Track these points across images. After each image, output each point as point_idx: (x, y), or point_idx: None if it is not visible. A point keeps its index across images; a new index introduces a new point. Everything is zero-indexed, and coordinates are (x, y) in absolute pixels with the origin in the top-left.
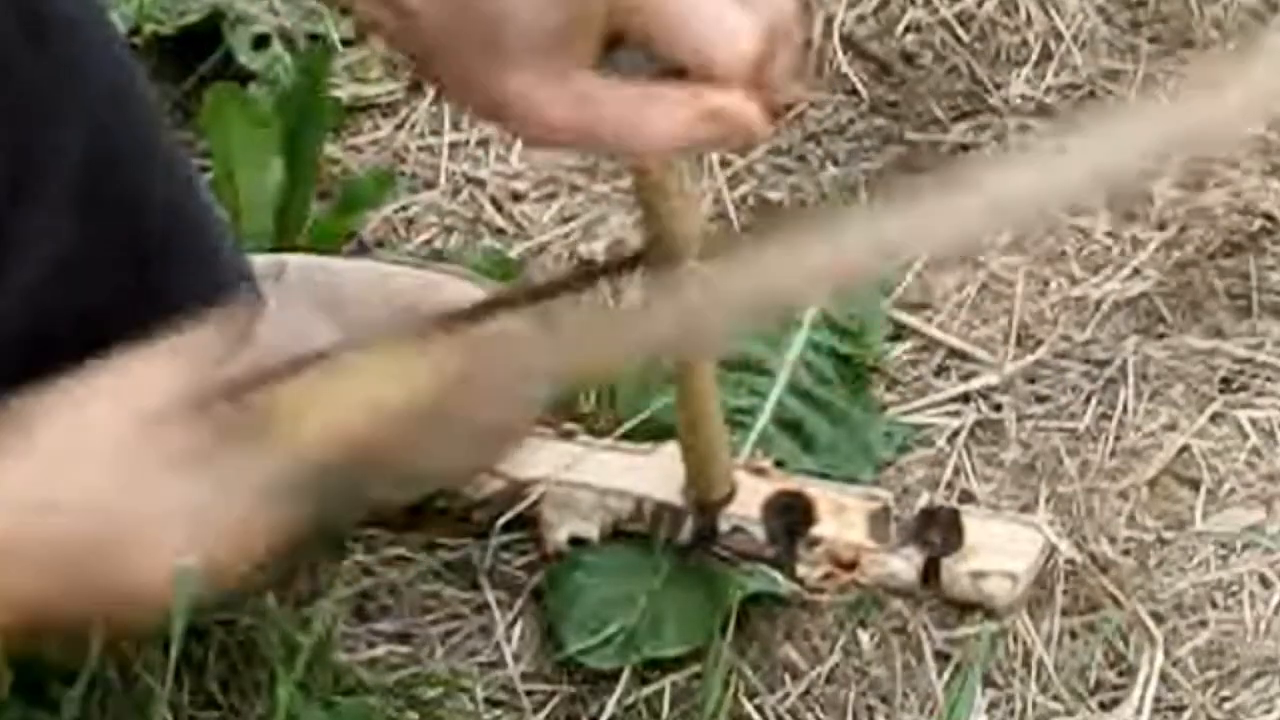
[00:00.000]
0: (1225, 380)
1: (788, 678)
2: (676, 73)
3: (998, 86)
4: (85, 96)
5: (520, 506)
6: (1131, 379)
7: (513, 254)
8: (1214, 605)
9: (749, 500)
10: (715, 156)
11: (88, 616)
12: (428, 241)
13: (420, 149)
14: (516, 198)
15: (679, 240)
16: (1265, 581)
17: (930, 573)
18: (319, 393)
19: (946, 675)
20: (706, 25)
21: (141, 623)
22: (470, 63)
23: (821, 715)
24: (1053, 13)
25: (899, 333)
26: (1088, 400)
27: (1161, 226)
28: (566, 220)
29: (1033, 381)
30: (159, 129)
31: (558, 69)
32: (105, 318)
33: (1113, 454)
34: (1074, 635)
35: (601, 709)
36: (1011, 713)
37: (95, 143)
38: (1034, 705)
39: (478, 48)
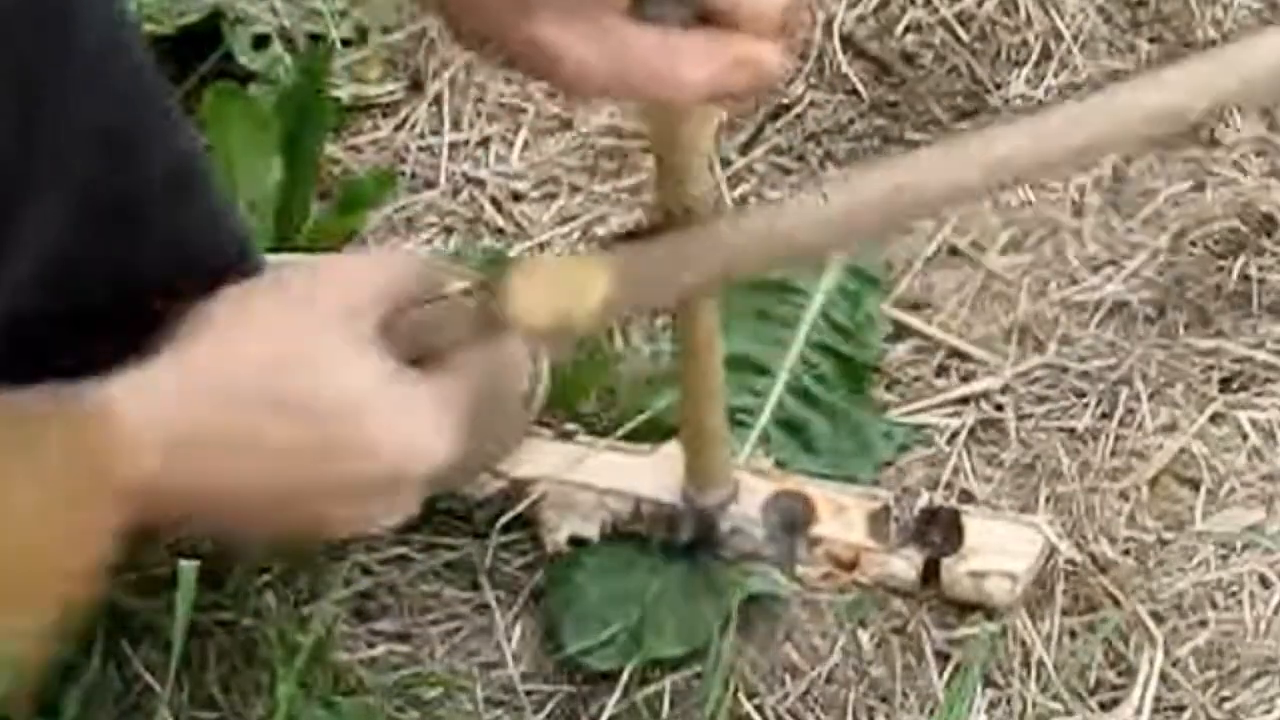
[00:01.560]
0: (1225, 380)
1: (788, 678)
2: (704, 21)
3: (998, 86)
4: (97, 82)
5: (520, 506)
6: (1131, 379)
7: (513, 254)
8: (1214, 605)
9: (749, 500)
10: (715, 156)
11: (330, 501)
12: (428, 241)
13: (420, 149)
14: (516, 198)
15: (692, 199)
16: (1265, 581)
17: (930, 573)
18: (538, 282)
19: (946, 675)
20: None
21: (380, 510)
22: (503, 14)
23: (821, 715)
24: (1053, 13)
25: (899, 333)
26: (1088, 400)
27: (1161, 227)
28: (566, 220)
29: (1033, 382)
30: (168, 108)
31: (589, 17)
32: (116, 291)
33: (1113, 454)
34: (1074, 635)
35: (601, 709)
36: (1011, 713)
37: (104, 129)
38: (1034, 705)
39: (514, 2)
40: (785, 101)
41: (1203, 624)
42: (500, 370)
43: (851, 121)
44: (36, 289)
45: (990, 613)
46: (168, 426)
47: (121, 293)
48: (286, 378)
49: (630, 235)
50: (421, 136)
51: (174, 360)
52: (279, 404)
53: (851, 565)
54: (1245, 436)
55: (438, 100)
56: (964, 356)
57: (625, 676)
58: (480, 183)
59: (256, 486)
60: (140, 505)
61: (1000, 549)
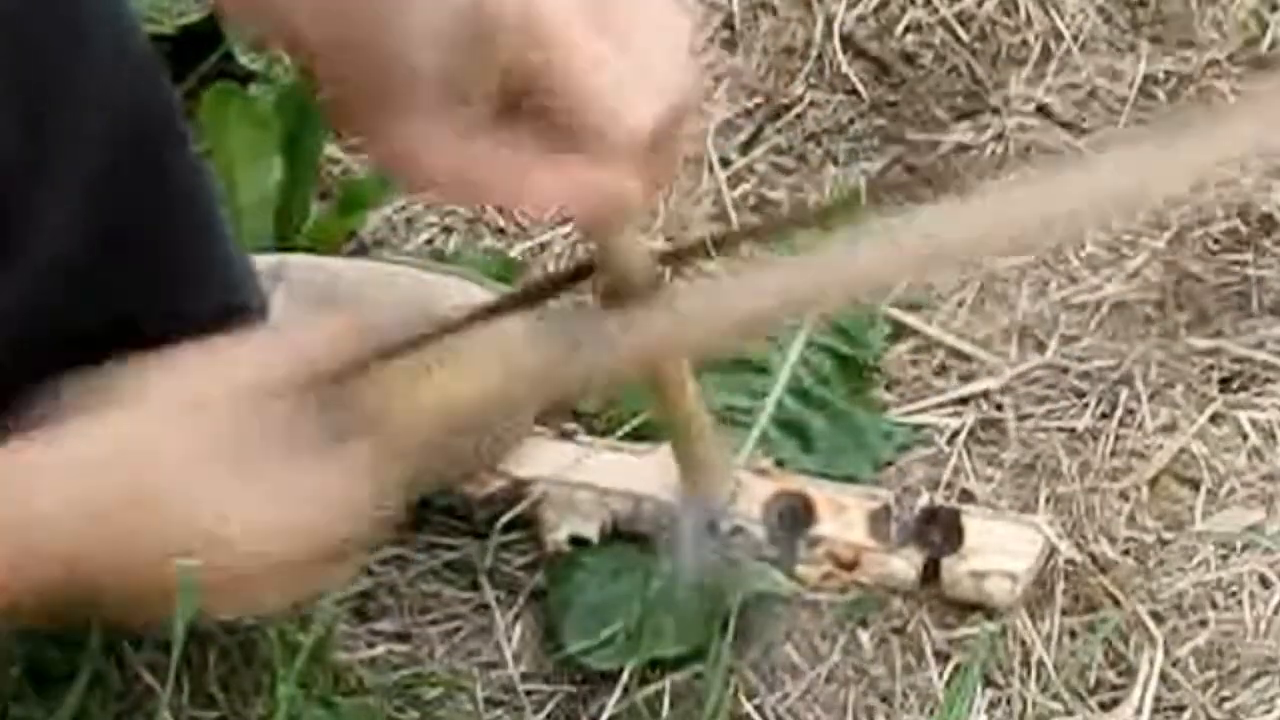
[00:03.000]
0: (1225, 380)
1: (788, 678)
2: (568, 135)
3: (998, 86)
4: (107, 84)
5: (520, 506)
6: (1132, 379)
7: (513, 254)
8: (1214, 605)
9: (749, 500)
10: (715, 156)
11: (155, 592)
12: (428, 241)
13: None
14: None
15: (630, 272)
16: (1265, 581)
17: (930, 573)
18: (416, 380)
19: (946, 675)
20: (606, 98)
21: (249, 605)
22: (365, 106)
23: (821, 715)
24: (1053, 13)
25: (899, 333)
26: (1088, 400)
27: (1161, 226)
28: (566, 220)
29: (1033, 382)
30: (176, 119)
31: (449, 121)
32: (113, 311)
33: (1113, 454)
34: (1074, 635)
35: (601, 709)
36: (1011, 713)
37: (115, 132)
38: (1034, 705)
39: (372, 91)
40: (785, 101)
41: (1203, 624)
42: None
43: (851, 121)
44: (46, 295)
45: (990, 613)
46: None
47: (126, 304)
48: (114, 481)
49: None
50: None
51: (9, 454)
52: (102, 503)
53: (851, 565)
54: (1245, 436)
55: None
56: (964, 356)
57: (625, 676)
58: None
59: (97, 575)
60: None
61: (1000, 549)
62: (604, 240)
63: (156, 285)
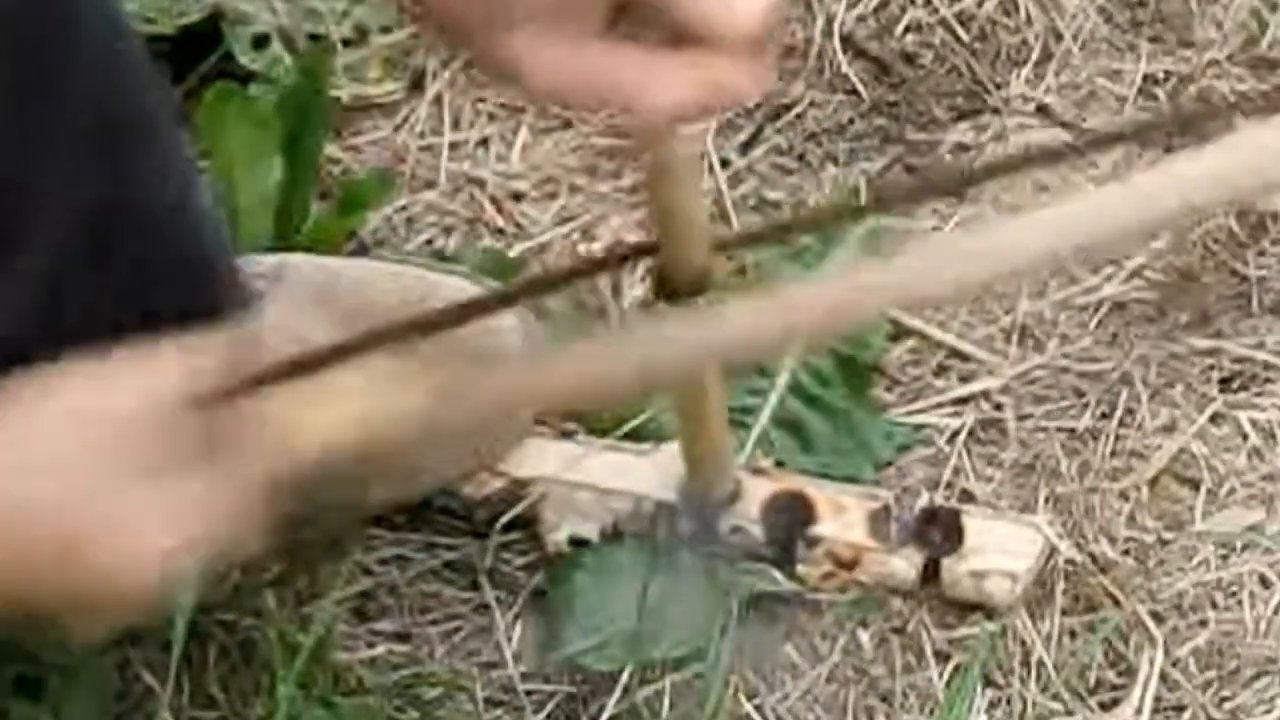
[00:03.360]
0: (1225, 380)
1: (788, 678)
2: (679, 41)
3: (998, 86)
4: (100, 91)
5: (520, 506)
6: (1132, 379)
7: (513, 254)
8: (1214, 605)
9: (749, 500)
10: (715, 156)
11: (62, 608)
12: (428, 241)
13: (420, 149)
14: (516, 198)
15: (687, 266)
16: (1265, 581)
17: (930, 573)
18: (316, 397)
19: (946, 675)
20: None
21: (117, 618)
22: (480, 27)
23: (821, 715)
24: (1053, 13)
25: (899, 333)
26: (1087, 400)
27: None
28: (566, 220)
29: (1033, 382)
30: (168, 124)
31: (563, 29)
32: (101, 315)
33: (1113, 454)
34: (1074, 635)
35: (601, 709)
36: (1011, 713)
37: (107, 140)
38: (1034, 705)
39: (487, 11)
40: (785, 101)
41: (1203, 624)
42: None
43: (851, 121)
44: (36, 298)
45: (990, 613)
46: None
47: (119, 308)
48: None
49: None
50: (421, 136)
51: None
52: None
53: (851, 565)
54: (1245, 436)
55: (438, 100)
56: (964, 356)
57: (625, 676)
58: (480, 183)
59: None
60: None
61: (1000, 549)
62: (666, 226)
63: (144, 287)
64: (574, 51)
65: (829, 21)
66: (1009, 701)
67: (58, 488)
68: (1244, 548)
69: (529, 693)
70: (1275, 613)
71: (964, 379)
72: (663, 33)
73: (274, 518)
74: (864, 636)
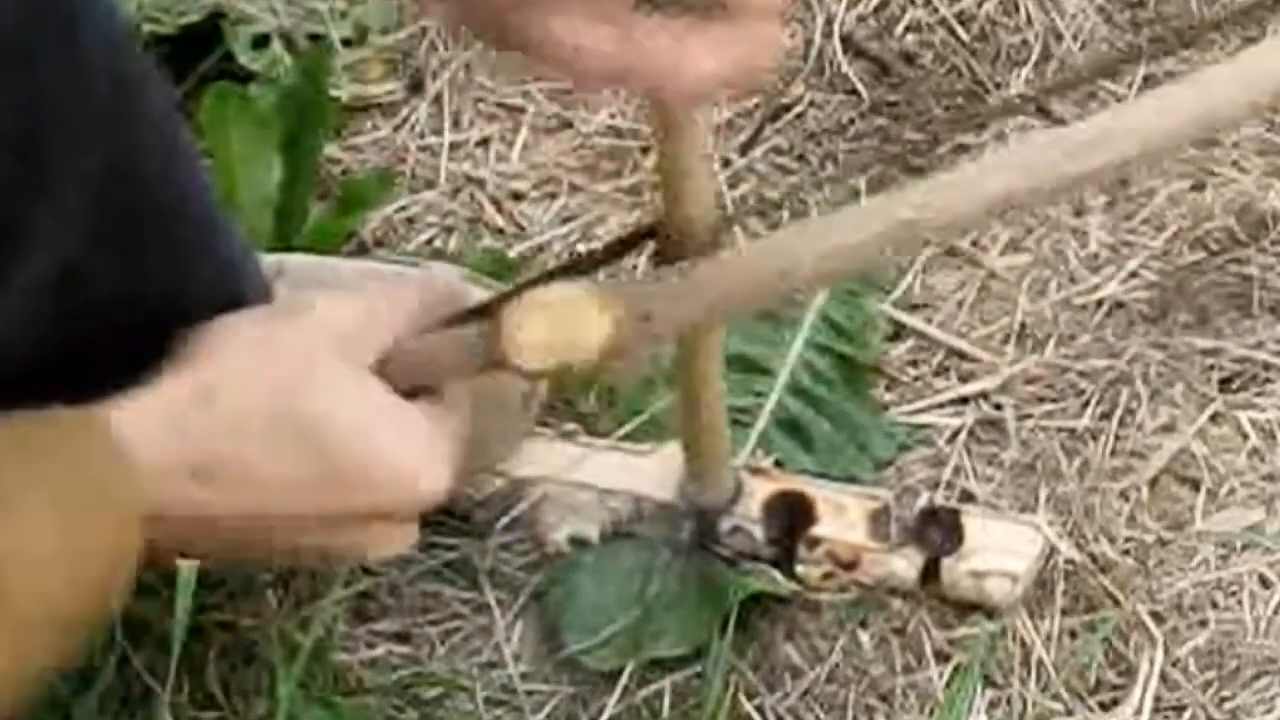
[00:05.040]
0: (1225, 380)
1: (788, 678)
2: (708, 13)
3: (998, 86)
4: (102, 93)
5: (520, 506)
6: (1132, 379)
7: (513, 254)
8: (1214, 605)
9: (749, 500)
10: (715, 156)
11: (361, 523)
12: (428, 241)
13: (420, 149)
14: (516, 198)
15: (693, 222)
16: (1265, 581)
17: (930, 573)
18: (538, 321)
19: (946, 675)
20: None
21: (408, 533)
22: (512, 9)
23: (821, 715)
24: (1053, 13)
25: (899, 333)
26: (1088, 400)
27: (1161, 226)
28: (566, 220)
29: (1033, 381)
30: (176, 127)
31: (598, 9)
32: (118, 316)
33: (1113, 454)
34: (1074, 635)
35: (601, 709)
36: (1011, 713)
37: (111, 140)
38: (1034, 705)
39: None
40: (785, 101)
41: (1203, 624)
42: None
43: (851, 121)
44: (48, 302)
45: (990, 613)
46: (166, 452)
47: (130, 318)
48: (287, 407)
49: (627, 242)
50: (421, 136)
51: (176, 385)
52: (279, 434)
53: (851, 565)
54: (1245, 436)
55: (438, 100)
56: (964, 356)
57: (625, 676)
58: (480, 183)
59: (256, 515)
60: (141, 528)
61: (1000, 549)
62: (673, 186)
63: (155, 294)
64: (609, 28)
65: (829, 21)
66: (1009, 701)
67: (343, 402)
68: (1244, 548)
69: (529, 693)
70: (1275, 613)
71: (964, 379)
72: (688, 6)
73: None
74: (864, 636)
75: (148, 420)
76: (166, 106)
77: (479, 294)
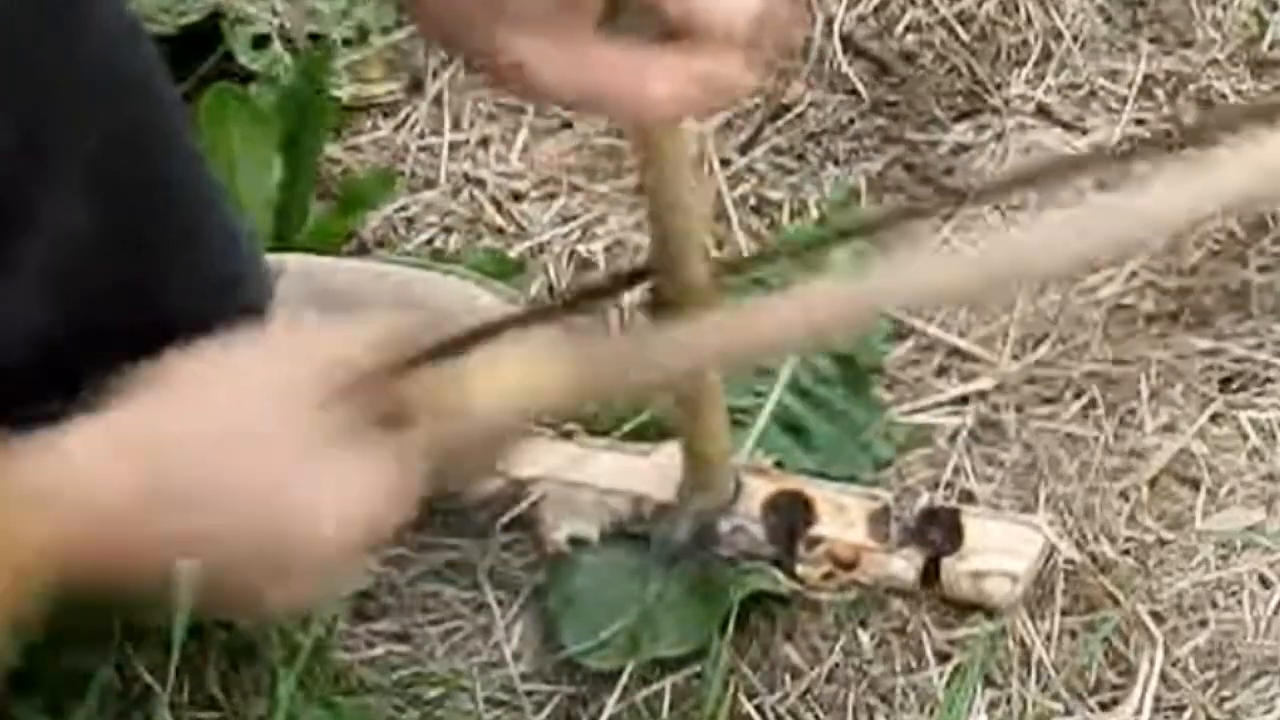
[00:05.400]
0: (1225, 380)
1: (788, 678)
2: (672, 37)
3: (998, 86)
4: (105, 81)
5: (520, 506)
6: (1131, 379)
7: (513, 254)
8: (1214, 605)
9: (749, 500)
10: (715, 156)
11: (269, 577)
12: (428, 241)
13: (420, 149)
14: (516, 198)
15: (685, 260)
16: (1265, 581)
17: (930, 573)
18: (475, 370)
19: (946, 675)
20: None
21: (317, 588)
22: (478, 28)
23: (821, 715)
24: (1053, 13)
25: (899, 333)
26: (1088, 400)
27: None
28: (566, 220)
29: (1033, 381)
30: (179, 118)
31: (560, 30)
32: (119, 305)
33: (1113, 454)
34: (1074, 635)
35: (601, 709)
36: (1011, 713)
37: (114, 128)
38: (1034, 705)
39: (485, 10)
40: (785, 102)
41: (1203, 624)
42: None
43: (851, 121)
44: (51, 295)
45: (990, 613)
46: (82, 494)
47: (134, 306)
48: (211, 456)
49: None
50: (421, 136)
51: (105, 427)
52: (200, 483)
53: (851, 565)
54: (1245, 436)
55: (438, 100)
56: (964, 356)
57: (625, 676)
58: (480, 183)
59: (171, 562)
60: (51, 566)
61: (1000, 549)
62: (664, 246)
63: (157, 285)
64: (571, 51)
65: (829, 21)
66: (1009, 701)
67: (260, 456)
68: (1244, 548)
69: (529, 693)
70: (1275, 613)
71: (964, 379)
72: (657, 30)
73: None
74: (864, 636)
75: (66, 458)
76: (171, 97)
77: (488, 299)
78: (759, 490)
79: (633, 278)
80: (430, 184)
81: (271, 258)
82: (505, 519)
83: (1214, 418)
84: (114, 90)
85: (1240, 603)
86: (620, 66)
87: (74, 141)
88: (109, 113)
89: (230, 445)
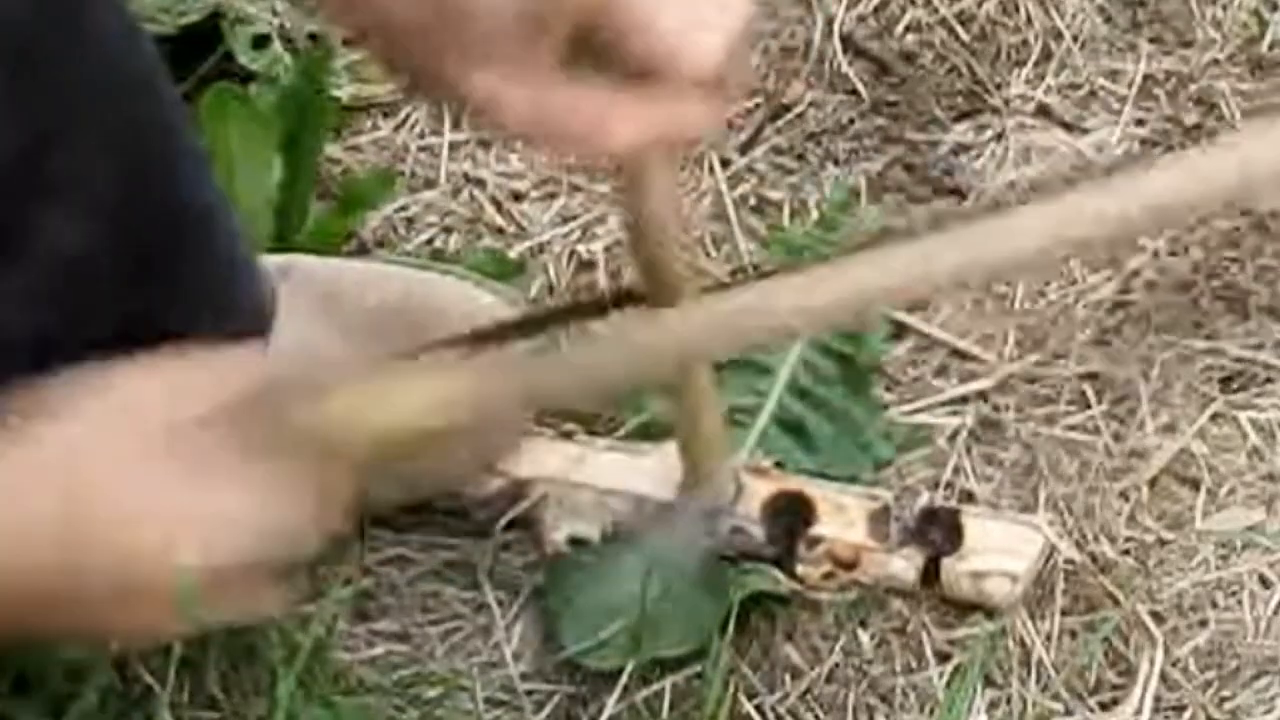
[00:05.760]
0: (1225, 380)
1: (788, 678)
2: (636, 78)
3: (998, 86)
4: (105, 81)
5: (520, 506)
6: (1131, 379)
7: (513, 254)
8: (1214, 605)
9: (749, 500)
10: (715, 156)
11: (93, 616)
12: (428, 241)
13: (420, 149)
14: (516, 198)
15: (669, 283)
16: (1265, 581)
17: (930, 573)
18: (363, 404)
19: (946, 675)
20: (674, 30)
21: (164, 627)
22: (439, 61)
23: (821, 715)
24: (1053, 13)
25: (899, 333)
26: (1088, 400)
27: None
28: (566, 220)
29: (1033, 381)
30: (183, 126)
31: (523, 67)
32: (121, 314)
33: (1113, 454)
34: (1074, 635)
35: (601, 709)
36: (1011, 713)
37: (114, 128)
38: (1034, 705)
39: (446, 45)
40: (785, 102)
41: (1203, 624)
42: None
43: (851, 121)
44: (50, 300)
45: (990, 613)
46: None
47: (133, 309)
48: (61, 478)
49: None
50: (421, 136)
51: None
52: (49, 519)
53: (851, 565)
54: (1245, 436)
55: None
56: (964, 356)
57: (625, 676)
58: (480, 183)
59: (26, 599)
60: None
61: (1000, 549)
62: (651, 267)
63: (159, 292)
64: (534, 90)
65: (829, 21)
66: (1009, 701)
67: (117, 487)
68: (1244, 548)
69: (529, 693)
70: (1275, 613)
71: (964, 379)
72: (623, 69)
73: (331, 514)
74: (864, 636)
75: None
76: (171, 98)
77: (488, 299)
78: (759, 490)
79: (618, 300)
80: (430, 184)
81: (272, 258)
82: (505, 519)
83: (1214, 418)
84: (114, 90)
85: (1240, 603)
86: (582, 107)
87: (74, 142)
88: (109, 113)
89: (87, 469)
